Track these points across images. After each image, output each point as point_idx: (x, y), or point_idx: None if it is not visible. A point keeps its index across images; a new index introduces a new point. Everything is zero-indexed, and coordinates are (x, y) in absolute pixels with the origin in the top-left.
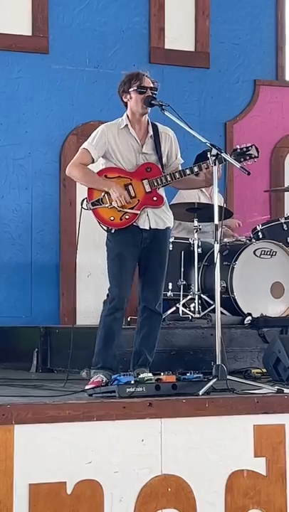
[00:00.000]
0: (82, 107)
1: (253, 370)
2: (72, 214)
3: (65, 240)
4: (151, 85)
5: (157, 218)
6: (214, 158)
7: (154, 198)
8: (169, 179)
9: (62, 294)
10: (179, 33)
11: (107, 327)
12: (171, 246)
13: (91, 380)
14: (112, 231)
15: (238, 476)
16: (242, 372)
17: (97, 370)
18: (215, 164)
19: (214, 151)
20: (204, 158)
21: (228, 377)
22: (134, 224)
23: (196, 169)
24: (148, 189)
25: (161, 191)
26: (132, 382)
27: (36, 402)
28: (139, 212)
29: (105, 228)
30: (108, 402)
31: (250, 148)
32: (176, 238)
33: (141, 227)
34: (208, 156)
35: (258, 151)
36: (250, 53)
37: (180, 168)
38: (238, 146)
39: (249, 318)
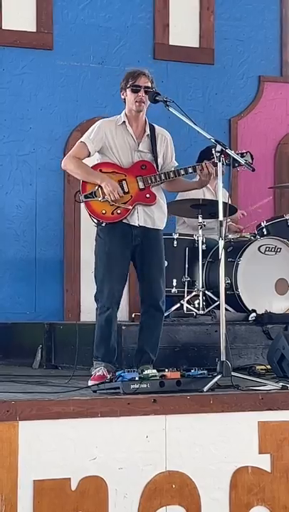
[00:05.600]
0: (86, 103)
1: (257, 367)
2: (76, 210)
3: (70, 236)
4: (147, 84)
5: (146, 216)
6: (219, 154)
7: (147, 195)
8: (163, 178)
9: (66, 291)
10: (184, 29)
11: (101, 325)
12: (175, 242)
13: (93, 373)
14: (103, 224)
15: (242, 473)
16: (246, 368)
17: (98, 362)
18: (219, 160)
19: (219, 148)
20: (208, 154)
21: (233, 373)
22: (125, 221)
23: (190, 170)
24: (141, 186)
25: (158, 191)
26: (137, 378)
27: (41, 399)
28: (131, 207)
29: (96, 221)
30: (112, 399)
31: (244, 154)
32: (180, 235)
33: (131, 223)
34: (213, 152)
35: (252, 158)
36: (254, 49)
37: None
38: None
39: (253, 314)
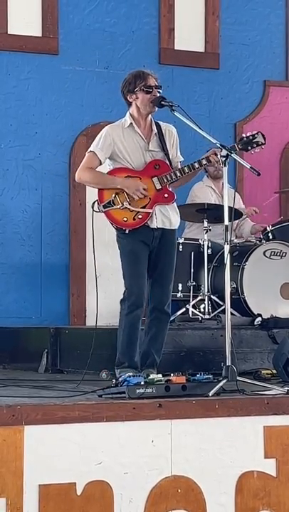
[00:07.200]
0: (91, 107)
1: (262, 371)
2: (82, 215)
3: (75, 240)
4: (156, 83)
5: (164, 217)
6: (224, 159)
7: (166, 195)
8: (178, 175)
9: (72, 295)
10: (189, 33)
11: (130, 325)
12: (181, 247)
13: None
14: (126, 231)
15: (248, 478)
16: (252, 373)
17: (124, 370)
18: (225, 165)
19: (224, 152)
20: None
21: (238, 378)
22: (146, 224)
23: (204, 162)
24: (158, 186)
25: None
26: (142, 383)
27: (46, 403)
28: (151, 210)
29: (119, 229)
30: (118, 403)
31: (256, 135)
32: (186, 239)
33: (151, 226)
34: (218, 156)
35: (264, 138)
36: (260, 54)
37: (179, 166)
38: (244, 135)
39: (259, 319)
